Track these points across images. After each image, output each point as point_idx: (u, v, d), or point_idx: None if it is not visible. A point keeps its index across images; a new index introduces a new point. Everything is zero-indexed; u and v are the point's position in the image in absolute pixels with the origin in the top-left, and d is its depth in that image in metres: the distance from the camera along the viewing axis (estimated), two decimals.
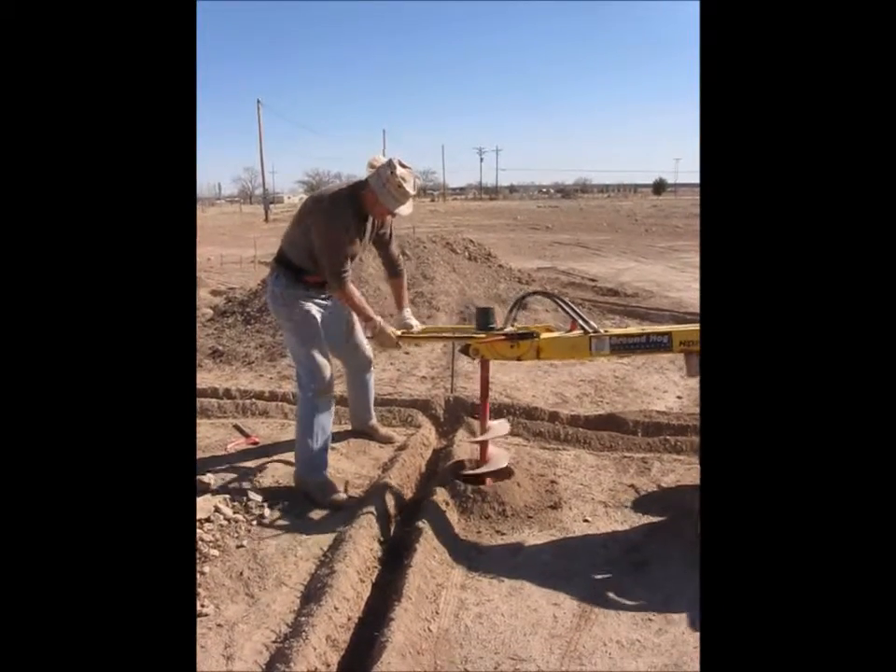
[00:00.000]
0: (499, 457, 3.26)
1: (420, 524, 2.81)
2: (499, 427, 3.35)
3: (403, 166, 2.99)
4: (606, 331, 2.90)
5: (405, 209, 3.06)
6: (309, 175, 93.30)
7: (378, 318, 3.15)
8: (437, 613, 2.34)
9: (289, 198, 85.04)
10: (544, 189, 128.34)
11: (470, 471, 3.24)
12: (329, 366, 3.22)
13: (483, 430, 3.20)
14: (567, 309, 3.01)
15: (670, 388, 4.93)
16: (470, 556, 2.73)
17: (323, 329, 3.28)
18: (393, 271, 3.51)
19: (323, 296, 3.32)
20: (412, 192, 3.01)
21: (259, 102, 44.53)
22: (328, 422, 3.25)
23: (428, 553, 2.61)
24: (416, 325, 3.38)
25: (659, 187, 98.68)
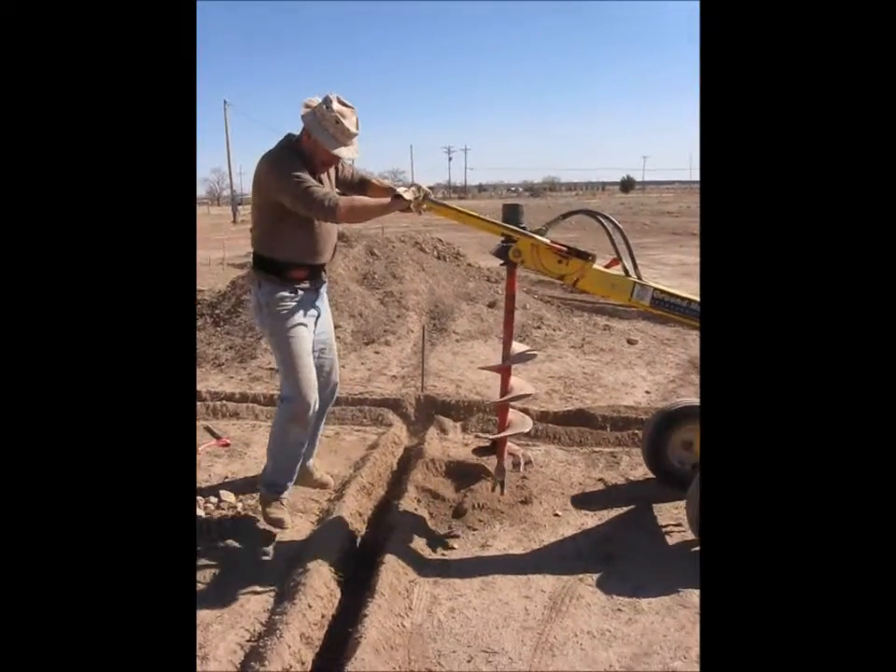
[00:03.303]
0: (523, 422, 2.97)
1: (392, 521, 2.83)
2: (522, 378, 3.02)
3: (343, 104, 2.62)
4: (650, 283, 2.69)
5: (347, 151, 2.66)
6: None
7: (395, 190, 2.68)
8: (410, 609, 2.36)
9: None
10: (513, 188, 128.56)
11: (490, 437, 3.15)
12: (314, 387, 2.82)
13: (507, 356, 2.84)
14: (621, 241, 2.71)
15: (638, 384, 5.01)
16: (442, 552, 2.76)
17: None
18: (368, 185, 3.02)
19: (314, 296, 2.90)
20: (353, 130, 2.63)
21: (225, 102, 43.96)
22: (303, 439, 2.90)
23: (401, 550, 2.63)
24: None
25: (627, 184, 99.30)
